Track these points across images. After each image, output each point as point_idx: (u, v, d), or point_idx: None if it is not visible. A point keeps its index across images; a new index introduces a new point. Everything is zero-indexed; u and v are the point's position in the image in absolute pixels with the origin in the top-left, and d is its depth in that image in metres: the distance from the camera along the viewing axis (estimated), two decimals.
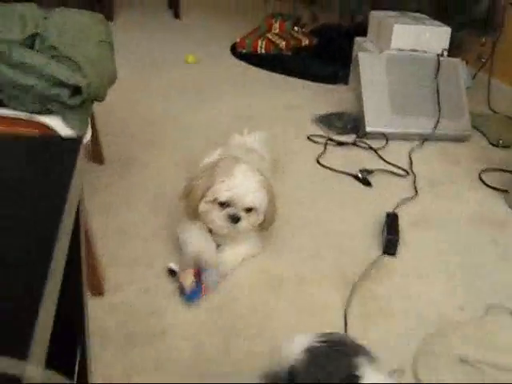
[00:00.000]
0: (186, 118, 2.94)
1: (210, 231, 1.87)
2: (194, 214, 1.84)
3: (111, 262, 1.84)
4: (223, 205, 1.79)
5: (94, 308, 1.64)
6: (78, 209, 0.97)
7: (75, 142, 1.00)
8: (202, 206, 1.81)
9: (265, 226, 1.91)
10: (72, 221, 0.87)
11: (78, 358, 1.08)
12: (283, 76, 3.71)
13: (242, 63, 3.93)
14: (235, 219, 1.79)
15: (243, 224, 1.81)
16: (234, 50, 4.13)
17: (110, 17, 4.59)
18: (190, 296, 1.70)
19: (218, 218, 1.80)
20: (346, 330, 1.65)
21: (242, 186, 1.79)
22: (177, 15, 4.98)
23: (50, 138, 1.22)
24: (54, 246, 0.69)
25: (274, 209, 1.91)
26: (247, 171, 1.82)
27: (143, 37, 4.33)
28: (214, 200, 1.79)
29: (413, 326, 1.70)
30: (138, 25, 4.68)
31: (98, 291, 1.70)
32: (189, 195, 1.84)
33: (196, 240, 1.86)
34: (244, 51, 4.06)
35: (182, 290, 1.72)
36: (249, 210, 1.81)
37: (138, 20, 4.84)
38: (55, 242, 0.69)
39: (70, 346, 1.09)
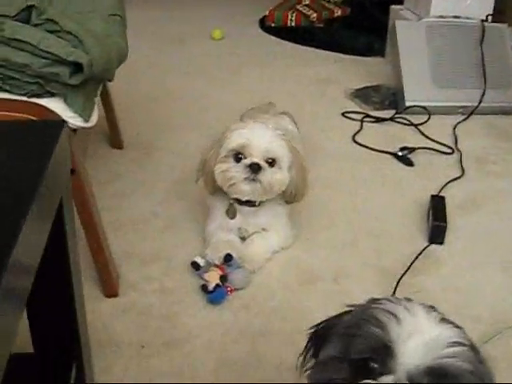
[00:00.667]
0: (211, 97, 2.75)
1: (234, 215, 1.70)
2: (213, 186, 1.67)
3: (125, 258, 1.67)
4: (239, 159, 1.61)
5: (107, 311, 1.49)
6: (60, 202, 0.80)
7: (58, 126, 0.82)
8: (218, 167, 1.62)
9: (294, 196, 1.69)
10: (47, 215, 0.71)
11: (73, 375, 0.92)
12: (315, 49, 3.48)
13: (272, 37, 3.71)
14: (255, 168, 1.58)
15: (267, 175, 1.59)
16: (262, 23, 3.91)
17: None
18: (215, 296, 1.53)
19: (235, 171, 1.60)
20: None
21: (258, 132, 1.63)
22: None
23: (32, 121, 1.05)
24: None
25: (304, 174, 1.69)
26: (263, 125, 1.68)
27: (166, 13, 4.13)
28: (228, 154, 1.62)
29: (465, 325, 1.48)
30: (162, 1, 4.49)
31: (112, 292, 1.53)
32: (204, 166, 1.68)
33: (223, 234, 1.69)
34: (273, 25, 3.85)
35: (205, 289, 1.54)
36: (270, 162, 1.61)
37: None
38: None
39: (63, 360, 0.93)
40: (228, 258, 1.59)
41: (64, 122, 0.82)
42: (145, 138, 2.35)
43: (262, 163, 1.59)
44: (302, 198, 1.71)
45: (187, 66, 3.15)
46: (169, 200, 1.96)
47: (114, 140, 2.26)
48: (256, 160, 1.59)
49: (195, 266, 1.61)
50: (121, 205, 1.92)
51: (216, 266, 1.59)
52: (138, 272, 1.63)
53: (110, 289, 1.53)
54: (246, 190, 1.62)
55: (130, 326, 1.44)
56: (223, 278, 1.54)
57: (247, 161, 1.59)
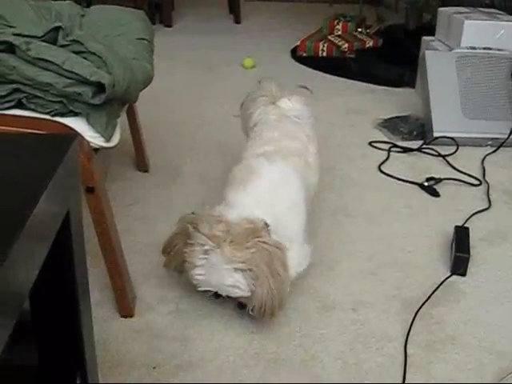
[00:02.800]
0: (239, 123, 2.75)
1: None
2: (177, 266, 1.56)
3: (144, 279, 1.67)
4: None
5: (121, 331, 1.49)
6: (68, 217, 0.80)
7: (69, 139, 0.82)
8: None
9: (264, 313, 1.45)
10: (49, 225, 0.71)
11: None
12: (345, 79, 3.49)
13: (303, 67, 3.73)
14: (219, 297, 1.52)
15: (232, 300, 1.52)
16: (294, 53, 3.94)
17: (168, 22, 4.48)
18: None
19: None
20: (406, 363, 1.42)
21: (216, 272, 1.43)
22: (237, 20, 4.82)
23: (42, 134, 1.06)
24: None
25: (276, 293, 1.43)
26: (228, 254, 1.41)
27: (201, 42, 4.18)
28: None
29: (486, 360, 1.46)
30: (196, 30, 4.54)
31: (127, 312, 1.53)
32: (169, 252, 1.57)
33: None
34: (305, 54, 3.87)
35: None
36: None
37: (198, 26, 4.70)
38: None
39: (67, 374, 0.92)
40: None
41: (75, 135, 0.82)
42: (171, 163, 2.36)
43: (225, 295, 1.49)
44: (275, 313, 1.46)
45: (217, 93, 3.18)
46: None
47: (140, 163, 2.27)
48: (219, 295, 1.50)
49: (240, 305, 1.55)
50: (142, 228, 1.92)
51: None
52: (155, 294, 1.62)
53: (125, 309, 1.52)
54: None
55: (143, 347, 1.43)
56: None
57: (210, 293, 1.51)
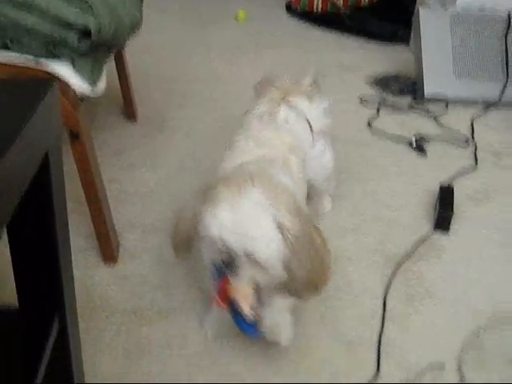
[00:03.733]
0: (230, 78, 2.73)
1: None
2: (181, 250, 1.26)
3: (128, 228, 1.68)
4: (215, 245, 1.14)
5: (104, 278, 1.50)
6: (47, 159, 0.80)
7: (50, 83, 0.82)
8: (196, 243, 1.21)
9: (293, 293, 1.18)
10: (25, 168, 0.71)
11: (55, 328, 0.92)
12: (339, 35, 3.46)
13: (297, 21, 3.69)
14: (226, 267, 1.13)
15: (245, 274, 1.13)
16: (289, 8, 3.88)
17: None
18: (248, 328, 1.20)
19: (207, 256, 1.19)
20: (384, 316, 1.45)
21: (239, 220, 1.10)
22: None
23: (23, 79, 1.05)
24: None
25: (312, 270, 1.14)
26: (256, 200, 1.11)
27: None
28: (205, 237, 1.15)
29: (462, 315, 1.48)
30: None
31: (110, 259, 1.54)
32: (176, 227, 1.25)
33: None
34: (299, 9, 3.82)
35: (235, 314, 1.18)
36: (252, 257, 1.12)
37: None
38: None
39: (45, 314, 0.93)
40: None
41: (55, 79, 0.82)
42: (159, 115, 2.35)
43: (239, 260, 1.12)
44: (306, 295, 1.20)
45: (209, 46, 3.14)
46: (176, 175, 1.96)
47: (128, 112, 2.26)
48: (231, 256, 1.12)
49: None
50: (128, 177, 1.92)
51: None
52: (139, 242, 1.64)
53: (108, 256, 1.54)
54: (212, 276, 1.20)
55: (126, 294, 1.45)
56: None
57: (222, 255, 1.13)
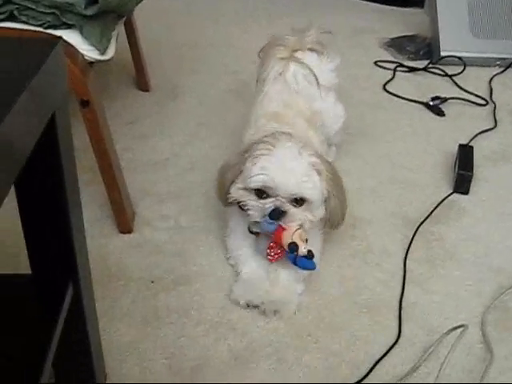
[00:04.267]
0: (242, 45, 2.69)
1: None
2: (227, 202, 1.38)
3: (143, 196, 1.67)
4: (262, 194, 1.30)
5: (120, 246, 1.49)
6: (53, 118, 0.79)
7: (54, 42, 0.80)
8: (234, 192, 1.34)
9: (330, 225, 1.39)
10: (32, 127, 0.70)
11: (69, 295, 0.91)
12: (353, 0, 3.40)
13: None
14: (277, 214, 1.27)
15: (293, 218, 1.28)
16: None
17: None
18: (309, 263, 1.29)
19: (253, 211, 1.31)
20: (405, 278, 1.42)
21: (283, 168, 1.28)
22: None
23: (26, 39, 1.03)
24: None
25: (343, 202, 1.37)
26: (290, 149, 1.30)
27: None
28: (247, 187, 1.32)
29: (484, 276, 1.46)
30: None
31: (125, 228, 1.53)
32: (219, 179, 1.40)
33: (248, 251, 1.41)
34: None
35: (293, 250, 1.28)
36: (298, 201, 1.30)
37: None
38: None
39: (59, 280, 0.92)
40: None
41: (58, 39, 0.79)
42: (171, 82, 2.32)
43: (287, 206, 1.28)
44: (338, 225, 1.41)
45: (221, 14, 3.09)
46: (190, 142, 1.94)
47: (140, 82, 2.24)
48: (280, 204, 1.27)
49: None
50: (142, 145, 1.90)
51: None
52: (154, 210, 1.62)
53: (123, 225, 1.52)
54: (265, 230, 1.31)
55: (142, 262, 1.44)
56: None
57: (270, 203, 1.28)
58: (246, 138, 1.55)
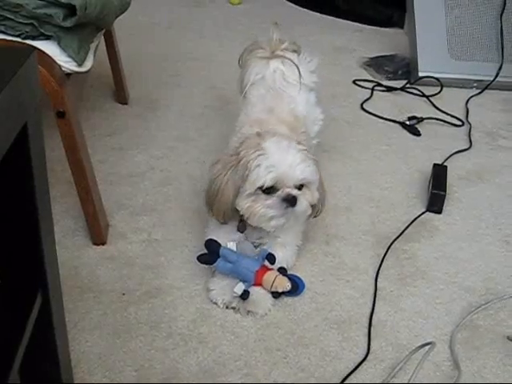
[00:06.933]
0: (222, 60, 2.71)
1: (245, 228, 1.47)
2: (228, 216, 1.43)
3: (118, 208, 1.67)
4: (269, 192, 1.38)
5: (93, 258, 1.49)
6: (25, 130, 0.79)
7: (27, 52, 0.80)
8: (243, 203, 1.38)
9: (315, 211, 1.49)
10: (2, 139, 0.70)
11: (37, 305, 0.90)
12: (334, 18, 3.43)
13: (291, 4, 3.65)
14: (292, 200, 1.37)
15: (303, 204, 1.39)
16: None
17: None
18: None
19: (268, 208, 1.37)
20: (375, 295, 1.43)
21: (285, 160, 1.37)
22: None
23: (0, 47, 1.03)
24: None
25: (324, 190, 1.51)
26: (281, 142, 1.41)
27: None
28: (257, 190, 1.38)
29: (454, 295, 1.47)
30: None
31: (99, 240, 1.53)
32: (216, 197, 1.40)
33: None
34: None
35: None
36: (299, 187, 1.40)
37: None
38: None
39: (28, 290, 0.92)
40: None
41: (32, 48, 0.80)
42: (151, 95, 2.33)
43: (296, 193, 1.38)
44: (321, 211, 1.52)
45: (202, 28, 3.12)
46: (167, 156, 1.94)
47: (119, 95, 2.24)
48: (290, 191, 1.37)
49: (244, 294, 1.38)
50: (119, 158, 1.91)
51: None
52: (128, 223, 1.62)
53: (97, 237, 1.52)
54: (280, 225, 1.41)
55: (114, 274, 1.43)
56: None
57: (281, 194, 1.37)
58: (230, 144, 1.57)
